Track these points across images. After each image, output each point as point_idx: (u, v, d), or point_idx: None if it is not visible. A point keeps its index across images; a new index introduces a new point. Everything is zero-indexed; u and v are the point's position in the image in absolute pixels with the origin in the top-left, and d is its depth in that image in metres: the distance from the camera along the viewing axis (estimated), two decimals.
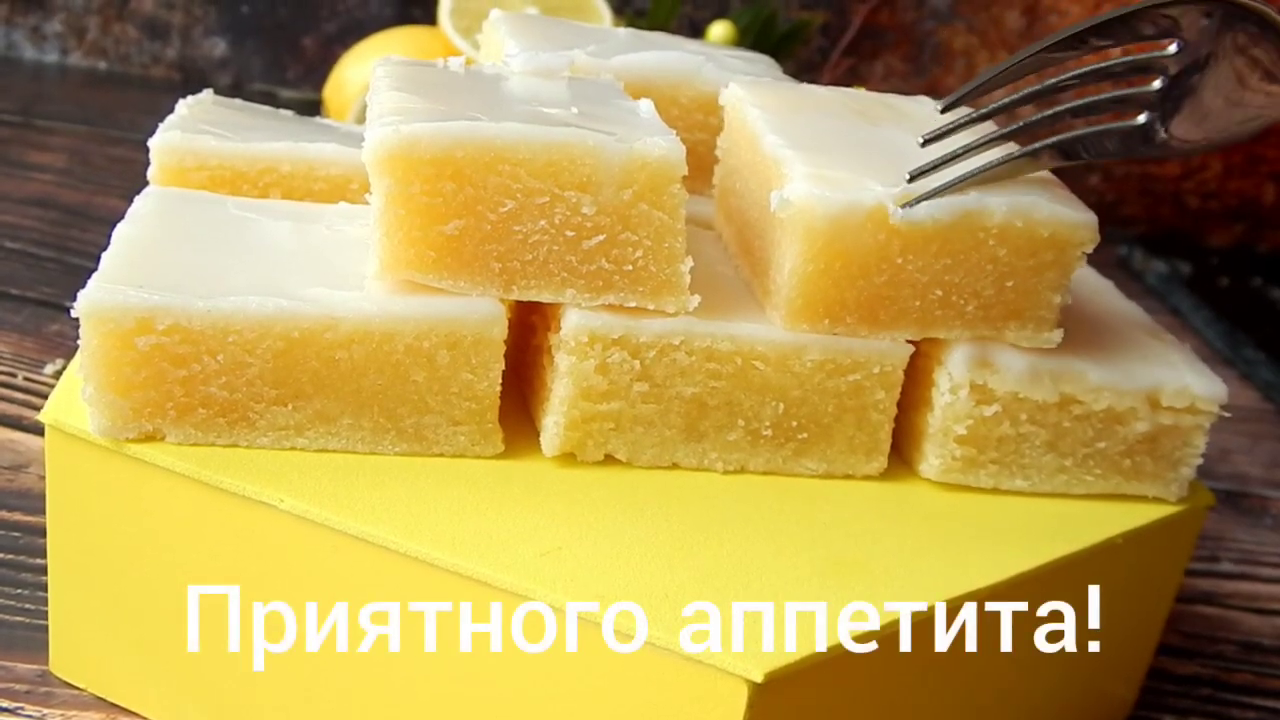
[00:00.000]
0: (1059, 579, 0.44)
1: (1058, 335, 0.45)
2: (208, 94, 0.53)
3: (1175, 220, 1.23)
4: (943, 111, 0.45)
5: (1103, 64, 0.43)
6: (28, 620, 0.48)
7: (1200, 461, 0.48)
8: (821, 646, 0.37)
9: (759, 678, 0.35)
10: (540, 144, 0.40)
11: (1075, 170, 1.18)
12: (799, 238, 0.42)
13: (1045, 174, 0.45)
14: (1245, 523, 0.71)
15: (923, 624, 0.39)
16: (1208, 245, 1.22)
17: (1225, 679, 0.57)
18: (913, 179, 0.43)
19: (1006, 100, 0.44)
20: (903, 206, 0.42)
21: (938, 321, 0.44)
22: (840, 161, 0.43)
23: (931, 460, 0.46)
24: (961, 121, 0.44)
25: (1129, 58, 0.43)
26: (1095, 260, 0.48)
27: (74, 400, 0.41)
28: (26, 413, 0.62)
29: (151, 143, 0.48)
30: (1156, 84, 0.43)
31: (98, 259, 0.41)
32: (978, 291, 0.44)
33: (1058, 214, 0.43)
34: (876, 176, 0.43)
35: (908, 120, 0.48)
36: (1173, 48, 0.42)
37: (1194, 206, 1.22)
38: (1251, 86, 0.42)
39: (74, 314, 0.39)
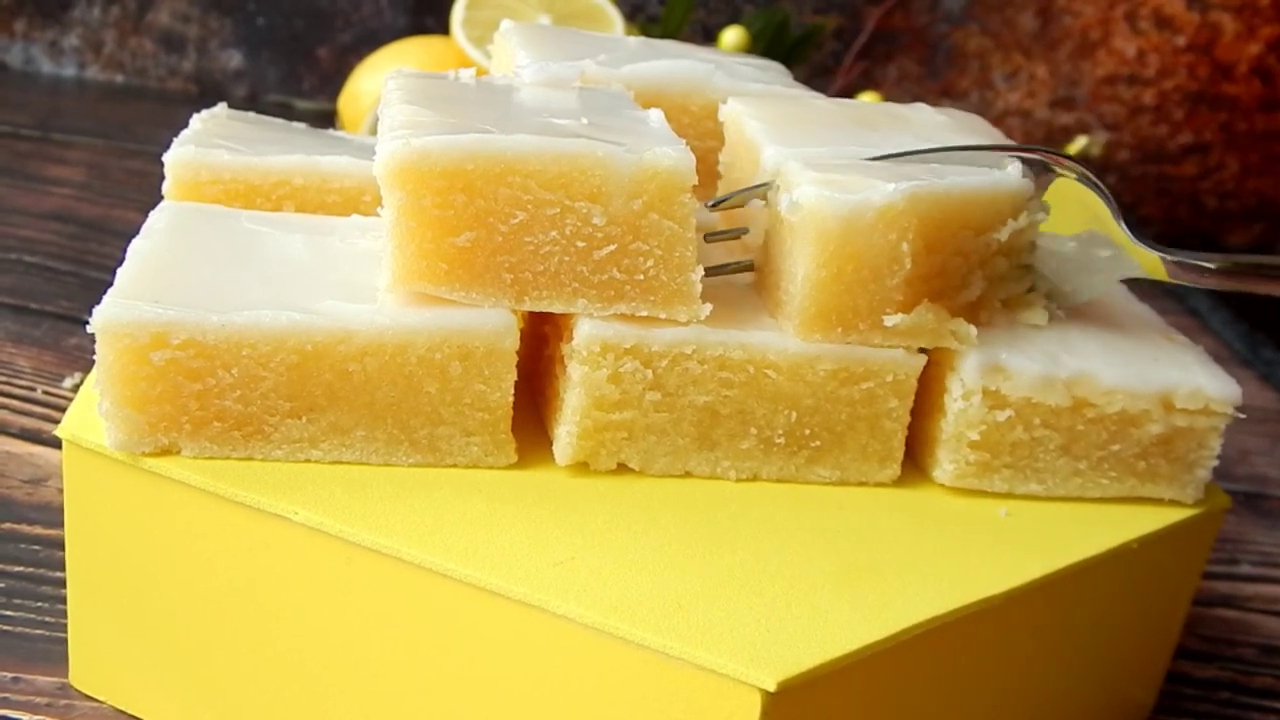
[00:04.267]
0: (1074, 583, 0.44)
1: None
2: (221, 108, 0.54)
3: (1193, 220, 1.22)
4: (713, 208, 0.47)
5: None
6: (48, 633, 0.48)
7: (1215, 463, 0.47)
8: (835, 653, 0.37)
9: (772, 686, 0.35)
10: (550, 156, 0.40)
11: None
12: (811, 241, 0.42)
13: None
14: (1265, 525, 0.71)
15: (937, 630, 0.39)
16: (1226, 245, 1.21)
17: (1245, 682, 0.57)
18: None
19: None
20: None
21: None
22: (843, 166, 0.44)
23: (945, 466, 0.46)
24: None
25: None
26: None
27: (91, 415, 0.41)
28: (46, 426, 0.62)
29: (166, 157, 0.48)
30: None
31: (116, 273, 0.42)
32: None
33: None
34: (881, 177, 0.43)
35: (905, 124, 0.49)
36: None
37: (1212, 206, 1.22)
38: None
39: (90, 329, 0.39)
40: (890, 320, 0.43)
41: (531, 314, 0.46)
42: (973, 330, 0.45)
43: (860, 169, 0.44)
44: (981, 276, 0.46)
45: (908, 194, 0.42)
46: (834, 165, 0.44)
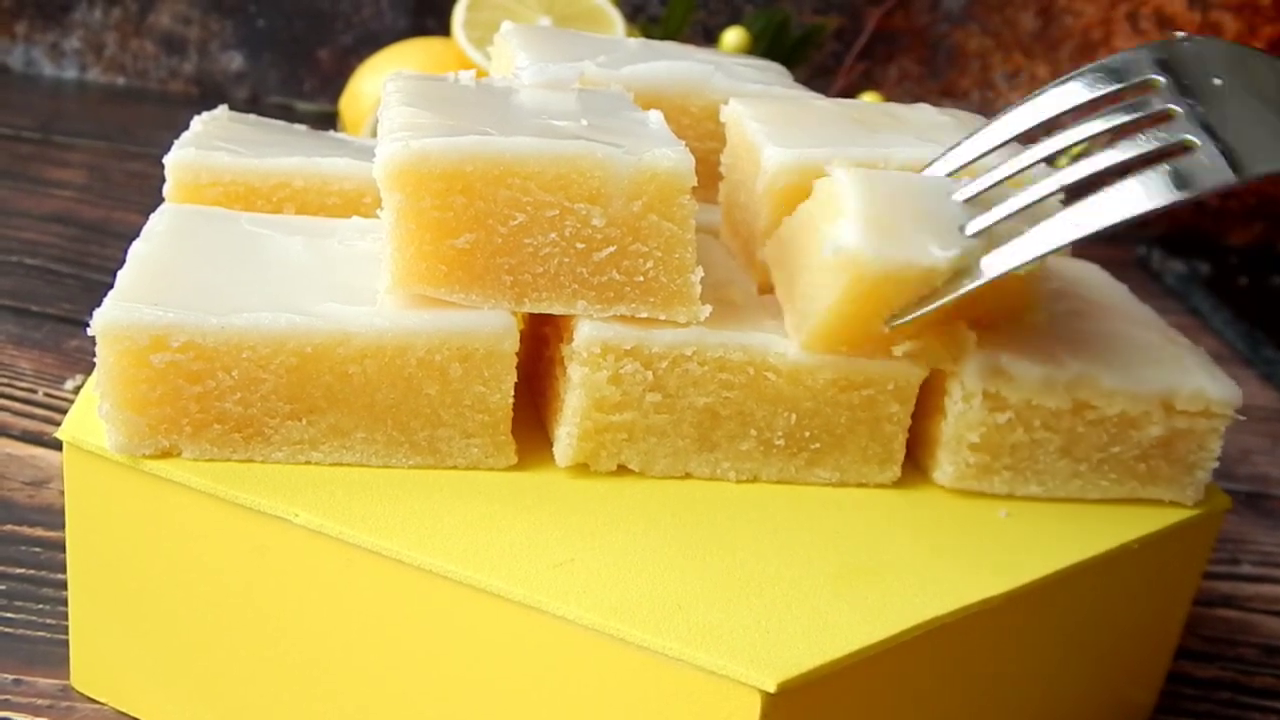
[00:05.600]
0: (1074, 584, 0.44)
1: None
2: (222, 110, 0.54)
3: (1194, 219, 1.22)
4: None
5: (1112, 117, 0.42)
6: (49, 635, 0.49)
7: (1216, 465, 0.47)
8: (835, 654, 0.37)
9: (772, 687, 0.35)
10: (549, 157, 0.40)
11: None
12: (843, 284, 0.41)
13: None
14: (1266, 525, 0.71)
15: (937, 631, 0.39)
16: (1227, 244, 1.21)
17: (1245, 682, 0.57)
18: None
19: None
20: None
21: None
22: (899, 207, 0.42)
23: (946, 467, 0.46)
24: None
25: (1135, 102, 0.42)
26: (1113, 261, 0.48)
27: (91, 417, 0.41)
28: (48, 428, 0.62)
29: (166, 159, 0.48)
30: (1185, 111, 0.41)
31: (116, 275, 0.42)
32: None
33: None
34: (938, 230, 0.42)
35: (905, 125, 0.49)
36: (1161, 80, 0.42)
37: (1213, 205, 1.22)
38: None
39: (90, 332, 0.39)
40: (899, 349, 0.43)
41: (531, 315, 0.46)
42: (971, 344, 0.44)
43: (918, 213, 0.42)
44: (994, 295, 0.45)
45: (955, 260, 0.41)
46: (891, 202, 0.42)
